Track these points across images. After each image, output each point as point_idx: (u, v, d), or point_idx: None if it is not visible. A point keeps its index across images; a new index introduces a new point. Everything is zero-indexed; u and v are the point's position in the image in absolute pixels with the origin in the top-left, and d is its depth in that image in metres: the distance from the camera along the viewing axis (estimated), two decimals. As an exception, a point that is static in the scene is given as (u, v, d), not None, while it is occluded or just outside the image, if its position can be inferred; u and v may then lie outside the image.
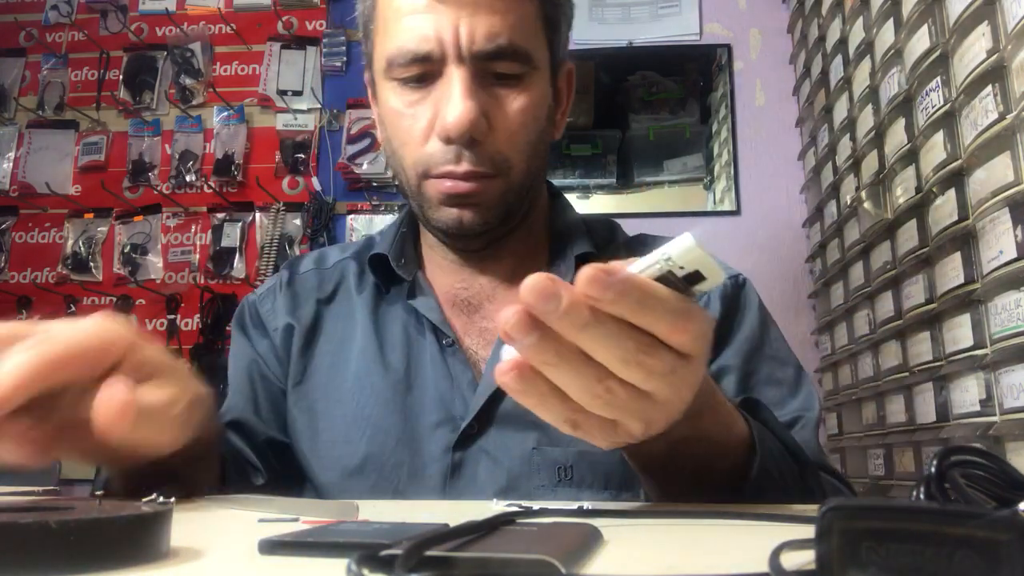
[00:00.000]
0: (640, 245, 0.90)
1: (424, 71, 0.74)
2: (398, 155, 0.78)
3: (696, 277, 0.42)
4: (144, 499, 0.43)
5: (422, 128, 0.75)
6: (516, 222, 0.81)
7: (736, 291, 0.85)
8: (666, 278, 0.42)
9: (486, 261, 0.84)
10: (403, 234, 0.88)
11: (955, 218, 1.20)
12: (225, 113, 2.56)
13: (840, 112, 1.85)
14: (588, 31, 2.47)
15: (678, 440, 0.55)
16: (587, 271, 0.40)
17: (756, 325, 0.83)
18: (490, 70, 0.74)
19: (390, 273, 0.85)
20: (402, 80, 0.75)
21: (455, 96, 0.71)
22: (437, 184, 0.75)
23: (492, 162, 0.74)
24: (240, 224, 2.47)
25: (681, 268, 0.41)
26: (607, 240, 0.90)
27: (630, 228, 0.97)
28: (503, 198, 0.76)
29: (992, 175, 1.07)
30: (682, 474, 0.59)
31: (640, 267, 0.42)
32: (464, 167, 0.73)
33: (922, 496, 0.37)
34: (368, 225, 2.40)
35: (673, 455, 0.57)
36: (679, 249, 0.40)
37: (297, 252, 2.42)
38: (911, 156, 1.38)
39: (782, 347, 0.84)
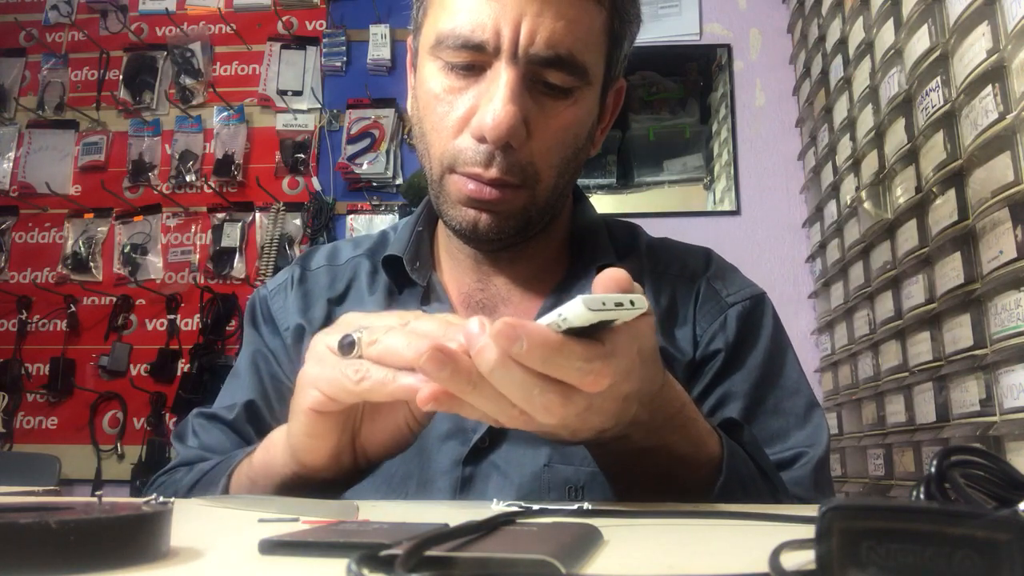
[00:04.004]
0: (663, 252, 0.87)
1: (473, 60, 0.69)
2: (427, 139, 0.74)
3: (605, 323, 0.44)
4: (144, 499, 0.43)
5: (457, 118, 0.70)
6: (535, 232, 0.77)
7: (753, 312, 0.81)
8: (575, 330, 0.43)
9: (503, 262, 0.81)
10: (419, 233, 0.84)
11: (955, 218, 1.20)
12: (225, 113, 2.56)
13: (840, 112, 1.85)
14: (588, 31, 2.47)
15: (638, 449, 0.56)
16: (498, 325, 0.41)
17: (770, 350, 0.80)
18: (541, 77, 0.69)
19: (404, 275, 0.82)
20: (447, 63, 0.70)
21: (499, 97, 0.67)
22: (460, 182, 0.71)
23: (522, 172, 0.70)
24: (240, 224, 2.47)
25: (583, 324, 0.42)
26: (628, 246, 0.86)
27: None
28: (524, 211, 0.73)
29: (992, 175, 1.07)
30: (644, 480, 0.60)
31: (546, 321, 0.43)
32: (493, 173, 0.69)
33: (922, 496, 0.37)
34: (368, 225, 2.40)
35: (633, 461, 0.58)
36: (572, 313, 0.42)
37: (297, 252, 2.42)
38: (911, 156, 1.38)
39: (795, 375, 0.80)
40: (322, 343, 0.54)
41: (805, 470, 0.74)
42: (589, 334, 0.44)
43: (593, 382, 0.44)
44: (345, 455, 0.58)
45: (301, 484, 0.59)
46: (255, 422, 0.82)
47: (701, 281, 0.83)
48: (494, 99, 0.67)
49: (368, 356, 0.50)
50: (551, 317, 0.43)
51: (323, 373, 0.52)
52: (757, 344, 0.80)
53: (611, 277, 0.46)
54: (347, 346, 0.50)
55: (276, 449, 0.61)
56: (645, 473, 0.59)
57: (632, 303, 0.42)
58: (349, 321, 0.53)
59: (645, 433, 0.55)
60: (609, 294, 0.43)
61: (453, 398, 0.45)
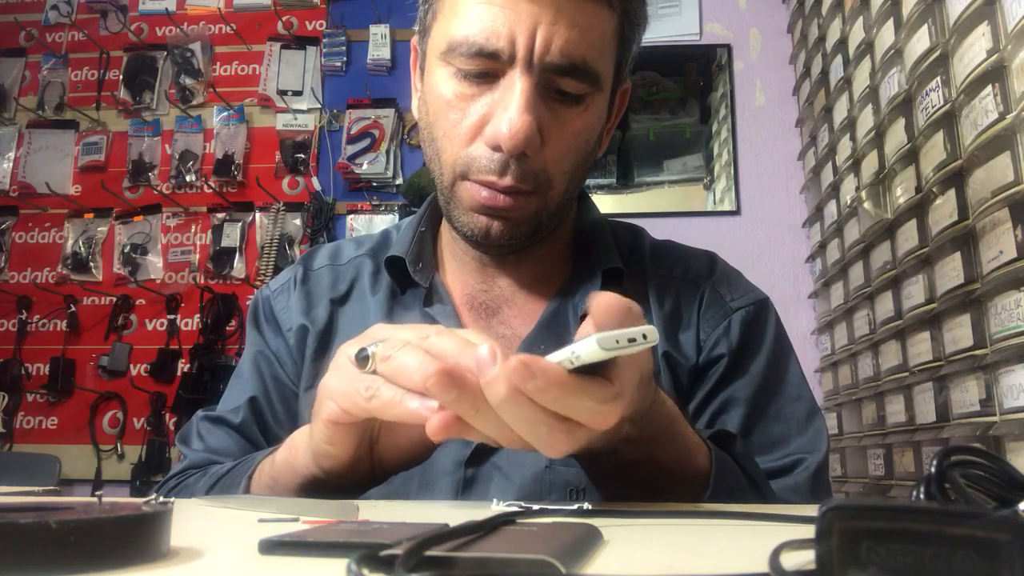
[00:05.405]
0: (666, 255, 0.87)
1: (487, 68, 0.68)
2: (437, 145, 0.73)
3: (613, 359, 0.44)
4: (144, 500, 0.43)
5: (470, 125, 0.70)
6: (544, 236, 0.77)
7: (757, 317, 0.81)
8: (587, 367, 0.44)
9: (508, 264, 0.81)
10: (422, 233, 0.84)
11: (955, 218, 1.20)
12: (225, 113, 2.56)
13: (840, 112, 1.85)
14: (588, 31, 2.47)
15: (625, 461, 0.57)
16: (513, 362, 0.42)
17: (773, 356, 0.80)
18: (554, 84, 0.69)
19: (406, 275, 0.81)
20: (460, 70, 0.69)
21: (514, 107, 0.66)
22: (474, 190, 0.71)
23: (535, 179, 0.70)
24: (240, 224, 2.47)
25: (594, 361, 0.43)
26: (631, 248, 0.86)
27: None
28: (536, 216, 0.73)
29: (992, 175, 1.07)
30: (631, 490, 0.60)
31: (557, 358, 0.43)
32: (507, 181, 0.69)
33: (922, 496, 0.37)
34: (368, 225, 2.40)
35: (620, 472, 0.59)
36: (586, 351, 0.42)
37: (297, 252, 2.42)
38: (911, 156, 1.38)
39: (797, 381, 0.80)
40: (343, 354, 0.54)
41: (803, 476, 0.74)
42: (596, 367, 0.45)
43: (602, 422, 0.45)
44: (363, 464, 0.59)
45: (321, 486, 0.60)
46: (258, 422, 0.83)
47: (705, 285, 0.83)
48: (509, 108, 0.67)
49: (381, 372, 0.50)
50: (563, 354, 0.43)
51: (339, 386, 0.53)
52: (760, 350, 0.80)
53: (613, 307, 0.46)
54: (362, 360, 0.51)
55: (299, 450, 0.61)
56: (631, 484, 0.60)
57: (644, 336, 0.43)
58: (373, 334, 0.53)
59: (632, 447, 0.56)
60: (622, 330, 0.42)
61: (462, 426, 0.46)
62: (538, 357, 0.43)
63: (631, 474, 0.59)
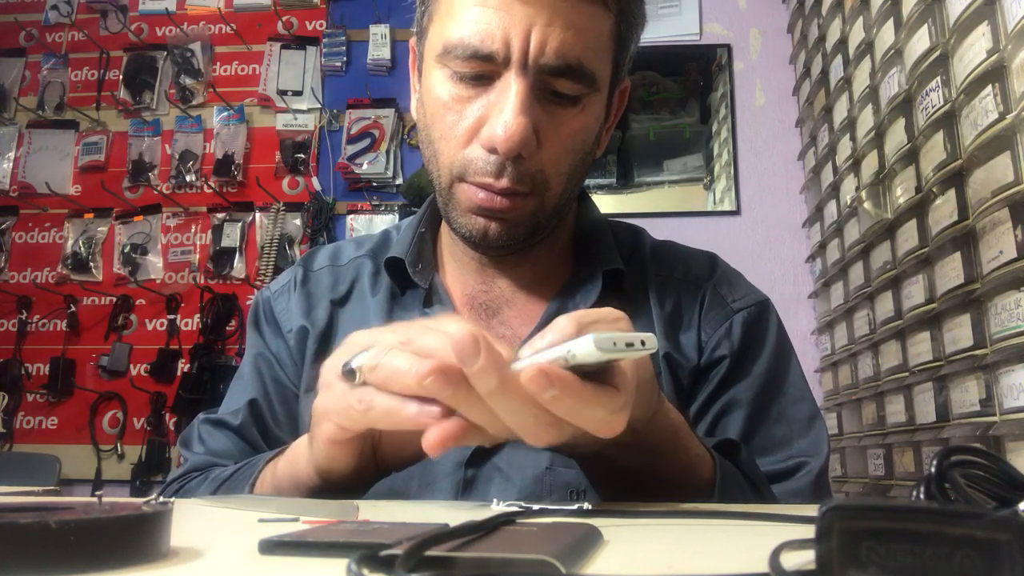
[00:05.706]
0: (667, 255, 0.87)
1: (482, 70, 0.69)
2: (435, 146, 0.73)
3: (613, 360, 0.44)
4: (144, 500, 0.43)
5: (466, 128, 0.70)
6: (543, 236, 0.77)
7: (758, 319, 0.81)
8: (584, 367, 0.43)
9: (507, 265, 0.81)
10: (421, 234, 0.84)
11: (955, 218, 1.20)
12: (225, 113, 2.56)
13: (840, 112, 1.85)
14: (588, 31, 2.47)
15: (622, 467, 0.58)
16: (531, 371, 0.42)
17: (774, 357, 0.80)
18: (550, 86, 0.69)
19: (406, 276, 0.81)
20: (456, 72, 0.70)
21: (509, 109, 0.66)
22: (471, 192, 0.71)
23: (532, 180, 0.70)
24: (240, 224, 2.47)
25: (589, 362, 0.43)
26: (632, 248, 0.86)
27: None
28: (533, 217, 0.73)
29: (992, 175, 1.07)
30: (630, 495, 0.61)
31: (551, 355, 0.43)
32: (504, 183, 0.69)
33: (922, 496, 0.37)
34: (368, 225, 2.40)
35: (617, 478, 0.60)
36: (582, 351, 0.42)
37: (297, 252, 2.42)
38: (911, 156, 1.38)
39: (798, 382, 0.81)
40: (329, 371, 0.53)
41: (806, 481, 0.74)
42: (594, 370, 0.45)
43: (609, 431, 0.46)
44: (367, 469, 0.59)
45: (324, 492, 0.60)
46: (258, 424, 0.83)
47: (707, 286, 0.83)
48: (505, 110, 0.67)
49: (371, 381, 0.49)
50: (559, 351, 0.43)
51: (333, 404, 0.52)
52: (762, 351, 0.80)
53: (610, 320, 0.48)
54: (348, 374, 0.50)
55: (300, 461, 0.61)
56: (633, 489, 0.61)
57: (643, 343, 0.42)
58: (355, 342, 0.53)
59: (633, 456, 0.56)
60: (620, 333, 0.42)
61: (460, 435, 0.46)
62: (555, 366, 0.42)
63: (633, 480, 0.59)
